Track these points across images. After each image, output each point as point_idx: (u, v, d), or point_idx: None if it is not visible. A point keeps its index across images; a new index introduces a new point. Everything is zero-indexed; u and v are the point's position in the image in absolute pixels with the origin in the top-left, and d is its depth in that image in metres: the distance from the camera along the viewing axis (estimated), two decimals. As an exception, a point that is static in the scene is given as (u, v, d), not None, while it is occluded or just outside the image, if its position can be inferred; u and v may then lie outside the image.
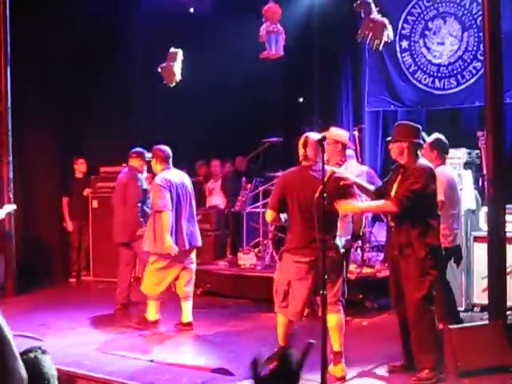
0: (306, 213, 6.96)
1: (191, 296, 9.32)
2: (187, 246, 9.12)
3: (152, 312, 9.22)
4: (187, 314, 9.22)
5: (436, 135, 8.60)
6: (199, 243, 9.42)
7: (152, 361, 7.29)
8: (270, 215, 7.29)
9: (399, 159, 6.96)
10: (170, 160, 9.35)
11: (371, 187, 7.27)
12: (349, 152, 9.39)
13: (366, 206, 7.50)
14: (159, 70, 11.92)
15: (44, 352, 3.44)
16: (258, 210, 12.25)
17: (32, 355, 3.42)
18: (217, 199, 13.83)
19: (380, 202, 6.96)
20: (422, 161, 7.01)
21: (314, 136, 7.11)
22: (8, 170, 11.61)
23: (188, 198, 9.28)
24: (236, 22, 13.70)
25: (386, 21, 11.63)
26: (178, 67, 11.96)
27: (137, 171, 10.49)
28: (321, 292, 6.06)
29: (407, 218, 6.77)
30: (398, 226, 6.87)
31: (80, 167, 13.39)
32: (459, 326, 7.29)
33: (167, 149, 9.38)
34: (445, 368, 6.82)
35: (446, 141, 8.57)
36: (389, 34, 11.58)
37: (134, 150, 10.61)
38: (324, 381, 5.78)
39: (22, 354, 3.43)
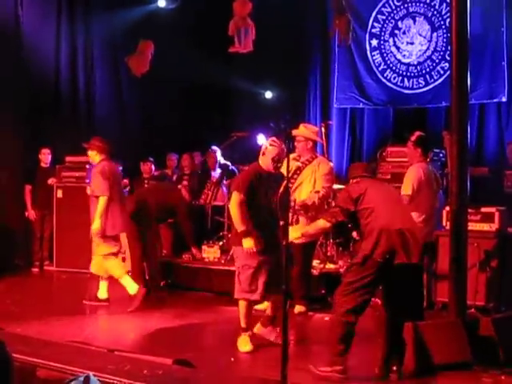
0: None
1: None
2: (120, 231, 10.11)
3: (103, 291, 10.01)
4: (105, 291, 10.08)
5: (419, 133, 8.65)
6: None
7: (113, 351, 7.27)
8: None
9: None
10: (107, 151, 10.05)
11: None
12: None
13: (306, 230, 7.57)
14: (126, 60, 11.90)
15: (2, 343, 3.44)
16: (223, 203, 12.28)
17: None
18: None
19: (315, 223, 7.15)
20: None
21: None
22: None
23: (121, 188, 10.30)
24: (204, 15, 13.72)
25: (349, 17, 11.76)
26: (146, 58, 11.96)
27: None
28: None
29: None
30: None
31: (43, 157, 13.27)
32: (420, 322, 7.35)
33: (105, 140, 10.14)
34: (405, 364, 6.89)
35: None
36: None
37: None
38: (284, 375, 5.81)
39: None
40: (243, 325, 7.84)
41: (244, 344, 7.76)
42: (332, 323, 6.80)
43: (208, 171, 13.29)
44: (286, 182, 6.43)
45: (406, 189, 8.23)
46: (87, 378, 3.45)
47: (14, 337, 7.61)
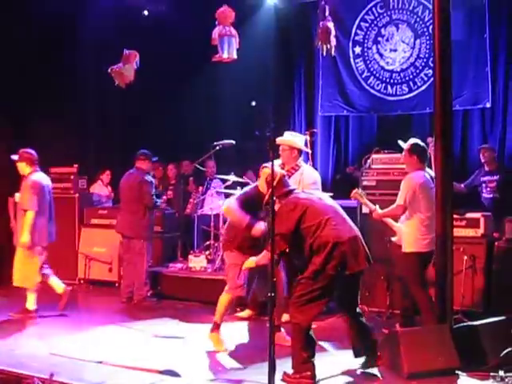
0: None
1: None
2: (47, 242, 10.20)
3: (31, 302, 9.95)
4: (33, 302, 9.99)
5: (413, 140, 8.67)
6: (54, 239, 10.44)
7: (101, 362, 7.26)
8: None
9: None
10: (37, 163, 10.23)
11: None
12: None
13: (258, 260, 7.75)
14: (109, 71, 11.88)
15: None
16: (209, 212, 12.27)
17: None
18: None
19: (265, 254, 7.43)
20: None
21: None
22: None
23: (51, 199, 10.36)
24: (190, 24, 13.70)
25: (331, 26, 11.80)
26: (130, 69, 11.93)
27: (144, 172, 11.16)
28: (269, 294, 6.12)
29: None
30: None
31: None
32: (407, 328, 7.36)
33: (34, 152, 10.25)
34: (392, 370, 6.93)
35: (423, 145, 8.65)
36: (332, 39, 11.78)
37: (141, 152, 11.22)
38: (272, 381, 5.81)
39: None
40: (218, 321, 8.20)
41: (218, 342, 8.17)
42: (292, 333, 6.90)
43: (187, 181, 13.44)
44: (271, 190, 6.44)
45: (399, 199, 8.28)
46: None
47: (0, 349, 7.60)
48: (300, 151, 9.32)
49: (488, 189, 11.32)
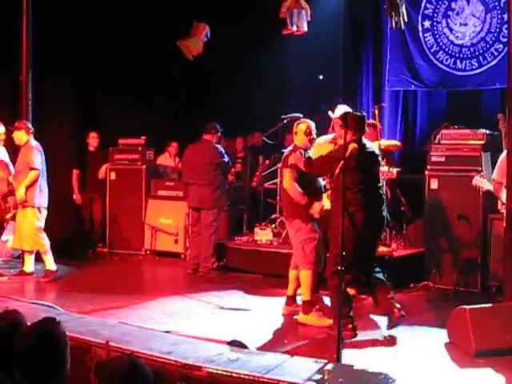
0: None
1: None
2: (47, 204, 10.60)
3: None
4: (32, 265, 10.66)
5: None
6: None
7: (169, 332, 7.33)
8: None
9: None
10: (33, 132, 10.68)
11: None
12: None
13: None
14: (178, 43, 11.90)
15: (58, 323, 3.51)
16: (275, 186, 12.27)
17: (46, 325, 3.49)
18: None
19: None
20: None
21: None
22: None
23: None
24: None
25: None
26: (199, 41, 11.95)
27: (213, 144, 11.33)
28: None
29: None
30: None
31: (92, 141, 13.36)
32: (475, 306, 7.29)
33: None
34: (459, 348, 6.88)
35: None
36: (403, 11, 11.58)
37: (210, 124, 11.33)
38: (339, 355, 5.82)
39: (36, 323, 3.51)
40: (308, 297, 8.06)
41: (320, 319, 7.95)
42: (331, 292, 7.23)
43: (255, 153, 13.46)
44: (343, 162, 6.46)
45: (494, 174, 8.28)
46: None
47: (70, 316, 7.72)
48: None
49: None
